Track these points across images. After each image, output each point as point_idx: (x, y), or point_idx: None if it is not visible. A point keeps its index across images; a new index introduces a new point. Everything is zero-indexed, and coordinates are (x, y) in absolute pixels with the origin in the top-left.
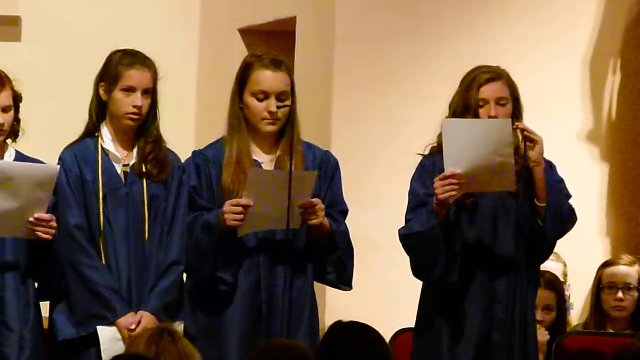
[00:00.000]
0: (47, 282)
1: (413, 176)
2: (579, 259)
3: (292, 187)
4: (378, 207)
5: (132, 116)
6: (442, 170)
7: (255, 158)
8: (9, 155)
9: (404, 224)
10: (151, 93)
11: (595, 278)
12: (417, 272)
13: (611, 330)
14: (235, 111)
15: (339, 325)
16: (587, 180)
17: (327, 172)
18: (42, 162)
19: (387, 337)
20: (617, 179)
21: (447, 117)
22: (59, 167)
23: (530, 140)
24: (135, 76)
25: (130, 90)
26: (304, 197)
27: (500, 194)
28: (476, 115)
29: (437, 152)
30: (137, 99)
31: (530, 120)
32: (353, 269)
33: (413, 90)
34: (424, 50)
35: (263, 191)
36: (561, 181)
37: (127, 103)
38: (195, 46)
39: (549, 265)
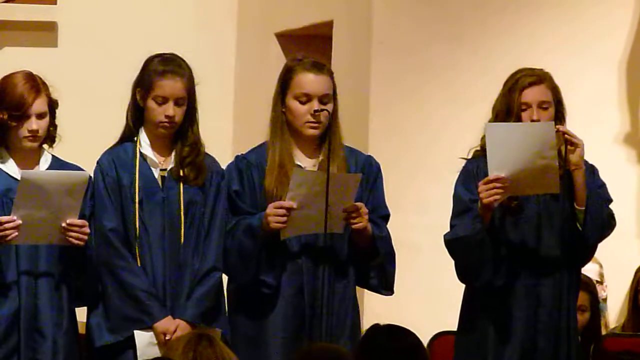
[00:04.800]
0: (81, 288)
1: (457, 180)
2: (616, 260)
3: (336, 189)
4: (419, 211)
5: (164, 125)
6: (486, 174)
7: (298, 162)
8: (45, 161)
9: (446, 228)
10: (185, 101)
11: (633, 280)
12: (463, 276)
13: None
14: (277, 115)
15: (376, 329)
16: (623, 183)
17: (369, 176)
18: (79, 167)
19: (425, 340)
20: None
21: (490, 121)
22: (88, 173)
23: (571, 143)
24: (166, 86)
25: (162, 100)
26: (347, 200)
27: (544, 197)
28: (518, 119)
29: (480, 156)
30: (169, 109)
31: (568, 124)
32: (394, 273)
33: (451, 96)
34: (461, 57)
35: (306, 193)
36: (602, 185)
37: (160, 112)
38: (232, 50)
39: (585, 266)
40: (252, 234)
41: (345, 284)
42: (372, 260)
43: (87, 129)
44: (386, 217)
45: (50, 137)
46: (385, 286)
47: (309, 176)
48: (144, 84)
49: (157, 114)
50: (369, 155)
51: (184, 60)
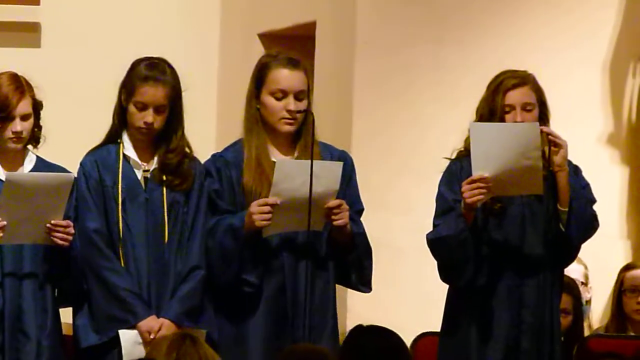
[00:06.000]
0: (66, 289)
1: (440, 180)
2: (599, 262)
3: (320, 179)
4: (404, 212)
5: (142, 130)
6: (470, 174)
7: (273, 159)
8: (30, 161)
9: (431, 229)
10: (166, 109)
11: (616, 281)
12: (446, 276)
13: (632, 333)
14: (252, 112)
15: (359, 329)
16: (607, 184)
17: (344, 172)
18: (64, 168)
19: (408, 341)
20: (637, 182)
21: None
22: (73, 174)
23: (555, 144)
24: (147, 93)
25: (142, 106)
26: (331, 193)
27: (527, 198)
28: (502, 121)
29: (464, 156)
30: (148, 116)
31: (552, 125)
32: (371, 270)
33: (436, 96)
34: (446, 57)
35: (289, 187)
36: (586, 186)
37: (139, 118)
38: (215, 50)
39: (570, 267)
40: (233, 234)
41: (326, 279)
42: (349, 255)
43: (71, 129)
44: (361, 211)
45: (34, 138)
46: (363, 282)
47: (292, 166)
48: (128, 87)
49: (136, 120)
50: (343, 150)
51: (169, 66)
